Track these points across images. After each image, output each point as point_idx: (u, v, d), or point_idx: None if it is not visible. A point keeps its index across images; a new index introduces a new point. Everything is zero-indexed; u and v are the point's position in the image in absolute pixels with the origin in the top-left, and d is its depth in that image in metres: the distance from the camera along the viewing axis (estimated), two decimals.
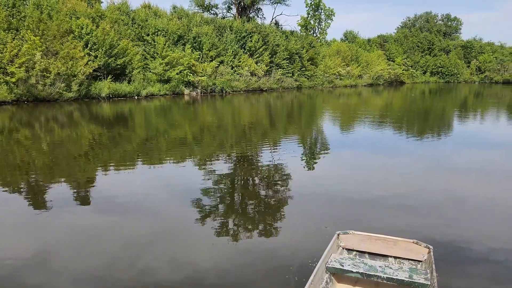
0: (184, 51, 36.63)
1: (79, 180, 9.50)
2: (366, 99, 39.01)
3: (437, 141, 15.47)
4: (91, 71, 28.85)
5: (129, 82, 32.37)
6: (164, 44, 35.32)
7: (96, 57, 30.14)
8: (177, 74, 34.83)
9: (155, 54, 35.20)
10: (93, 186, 9.12)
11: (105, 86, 29.69)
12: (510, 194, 8.58)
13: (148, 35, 36.07)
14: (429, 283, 4.12)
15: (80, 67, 27.92)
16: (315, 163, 11.84)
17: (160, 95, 33.61)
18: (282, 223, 6.96)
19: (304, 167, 11.17)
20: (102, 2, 39.63)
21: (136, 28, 36.36)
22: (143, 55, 34.83)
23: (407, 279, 4.20)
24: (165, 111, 25.28)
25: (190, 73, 35.65)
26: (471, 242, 6.11)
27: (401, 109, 29.48)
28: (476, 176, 10.05)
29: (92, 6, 35.19)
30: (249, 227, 6.76)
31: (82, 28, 30.17)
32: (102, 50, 30.24)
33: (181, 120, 20.75)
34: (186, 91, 36.11)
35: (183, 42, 38.06)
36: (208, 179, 9.58)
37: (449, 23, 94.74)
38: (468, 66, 78.13)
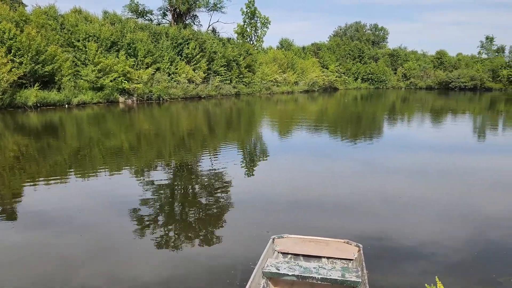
0: (118, 57, 35.45)
1: (4, 195, 8.81)
2: (303, 105, 40.13)
3: (369, 144, 16.26)
4: (15, 78, 26.96)
5: (58, 90, 30.65)
6: (96, 50, 33.92)
7: (21, 63, 28.23)
8: (111, 81, 33.59)
9: (87, 61, 33.69)
10: (20, 201, 8.50)
11: (31, 94, 27.86)
12: (437, 192, 9.21)
13: (78, 40, 34.44)
14: (360, 280, 4.31)
15: (3, 74, 25.99)
16: (255, 169, 11.94)
17: (93, 103, 32.20)
18: (223, 229, 6.92)
19: (244, 173, 11.22)
20: (26, 6, 37.37)
21: (65, 33, 34.60)
22: (73, 61, 33.17)
23: (340, 278, 4.37)
24: (98, 119, 24.25)
25: (125, 80, 34.54)
26: (402, 239, 6.48)
27: (336, 114, 30.66)
28: (405, 177, 10.69)
29: (16, 10, 33.02)
30: (190, 235, 6.65)
31: (4, 33, 28.15)
32: (28, 56, 28.40)
33: (116, 129, 20.01)
34: (121, 99, 34.91)
35: (116, 48, 36.81)
36: (147, 190, 9.31)
37: (377, 32, 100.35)
38: (395, 73, 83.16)
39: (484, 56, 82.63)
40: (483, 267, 5.51)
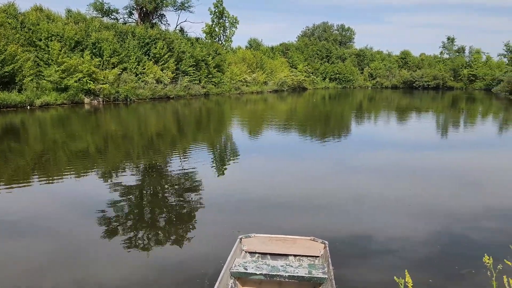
0: (82, 57, 34.51)
1: None
2: (272, 104, 40.34)
3: (338, 143, 16.53)
4: None
5: (19, 91, 29.53)
6: (60, 50, 32.92)
7: None
8: (76, 82, 32.66)
9: (50, 61, 32.64)
10: None
11: None
12: (403, 188, 9.47)
13: (40, 40, 33.31)
14: (326, 276, 4.39)
15: None
16: (225, 169, 11.91)
17: (57, 105, 31.22)
18: (194, 230, 6.86)
19: (214, 174, 11.17)
20: None
21: (26, 32, 33.37)
22: (35, 61, 32.07)
23: (307, 275, 4.43)
24: (63, 121, 23.52)
25: (90, 80, 33.64)
26: (370, 235, 6.62)
27: (305, 114, 30.99)
28: (373, 174, 10.92)
29: None
30: (160, 237, 6.56)
31: None
32: None
33: (82, 131, 19.47)
34: (87, 100, 34.01)
35: (81, 48, 35.82)
36: (114, 192, 9.11)
37: (344, 33, 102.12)
38: (362, 73, 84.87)
39: (445, 56, 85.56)
40: (447, 260, 5.70)
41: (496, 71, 72.47)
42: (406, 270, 2.97)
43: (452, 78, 77.45)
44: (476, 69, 75.54)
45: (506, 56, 77.00)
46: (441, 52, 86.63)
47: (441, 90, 71.02)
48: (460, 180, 10.44)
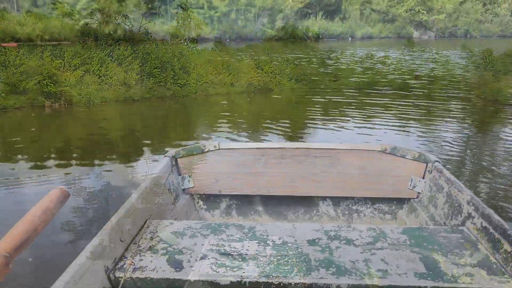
0: (42, 59, 33.37)
1: None
2: (240, 105, 40.36)
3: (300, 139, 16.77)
4: None
5: None
6: (18, 51, 31.73)
7: None
8: (35, 84, 31.53)
9: (7, 62, 31.39)
10: None
11: None
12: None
13: None
14: None
15: None
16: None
17: (15, 108, 30.03)
18: None
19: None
20: None
21: None
22: None
23: None
24: (21, 125, 22.64)
25: (51, 83, 32.58)
26: None
27: (273, 116, 31.21)
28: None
29: None
30: None
31: None
32: None
33: (43, 136, 18.82)
34: (47, 103, 32.86)
35: (40, 49, 34.66)
36: (78, 198, 8.86)
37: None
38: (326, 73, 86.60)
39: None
40: None
41: None
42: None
43: None
44: None
45: None
46: None
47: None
48: None
